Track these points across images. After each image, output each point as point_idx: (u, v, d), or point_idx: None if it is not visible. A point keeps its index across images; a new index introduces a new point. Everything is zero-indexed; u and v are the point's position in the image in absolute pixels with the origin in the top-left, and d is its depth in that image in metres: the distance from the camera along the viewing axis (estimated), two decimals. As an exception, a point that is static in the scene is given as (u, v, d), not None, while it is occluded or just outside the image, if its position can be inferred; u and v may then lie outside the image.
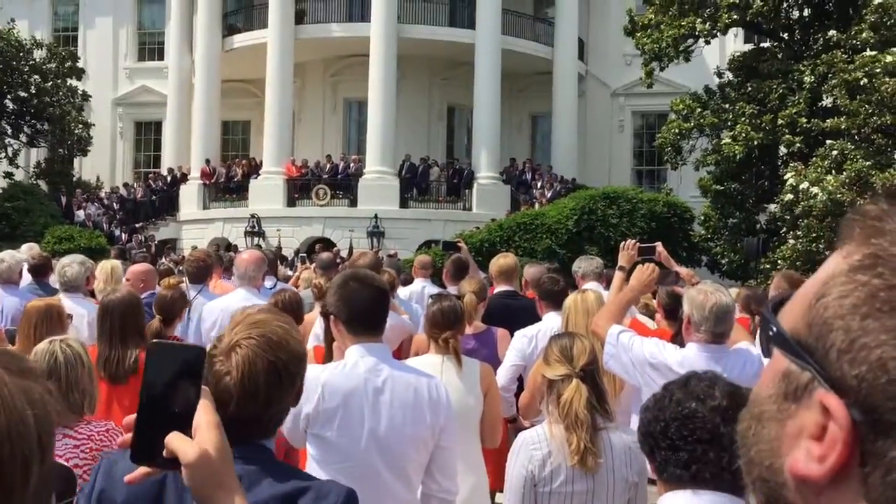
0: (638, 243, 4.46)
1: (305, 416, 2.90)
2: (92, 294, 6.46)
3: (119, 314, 4.17)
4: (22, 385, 0.87)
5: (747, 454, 0.73)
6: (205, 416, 1.21)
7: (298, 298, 4.90)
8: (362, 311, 2.97)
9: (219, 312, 5.68)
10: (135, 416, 1.20)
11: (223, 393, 1.77)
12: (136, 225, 27.49)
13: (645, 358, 3.66)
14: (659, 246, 4.43)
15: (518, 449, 3.03)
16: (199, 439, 1.19)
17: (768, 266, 16.89)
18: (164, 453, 1.17)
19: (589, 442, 2.91)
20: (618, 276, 4.43)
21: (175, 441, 1.17)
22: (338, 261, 12.10)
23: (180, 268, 11.94)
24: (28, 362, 0.92)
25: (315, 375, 2.95)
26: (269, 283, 7.46)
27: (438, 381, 3.18)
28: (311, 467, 2.94)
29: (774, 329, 0.72)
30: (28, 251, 7.45)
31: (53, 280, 7.34)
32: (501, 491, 5.68)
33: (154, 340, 1.23)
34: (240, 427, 1.77)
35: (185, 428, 1.19)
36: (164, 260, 18.18)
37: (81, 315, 5.74)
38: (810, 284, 0.72)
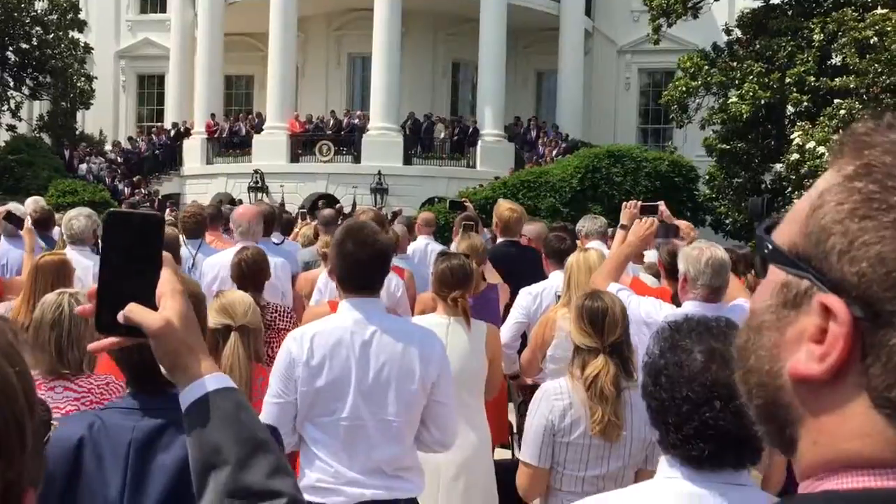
0: (640, 203, 4.44)
1: (297, 376, 2.89)
2: (97, 247, 6.48)
3: None
4: None
5: (745, 364, 0.76)
6: (168, 284, 1.20)
7: (261, 255, 4.79)
8: (356, 270, 2.95)
9: (219, 267, 5.68)
10: (96, 286, 1.19)
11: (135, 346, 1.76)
12: (138, 179, 27.41)
13: (641, 317, 3.67)
14: (661, 205, 4.41)
15: (540, 398, 3.04)
16: (162, 306, 1.19)
17: (772, 226, 16.84)
18: (123, 320, 1.16)
19: (614, 415, 2.91)
20: (619, 234, 4.42)
21: (137, 311, 1.17)
22: (340, 217, 12.09)
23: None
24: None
25: (303, 332, 2.96)
26: (276, 238, 7.44)
27: (432, 334, 3.17)
28: (304, 424, 2.94)
29: (770, 246, 0.75)
30: (33, 204, 7.43)
31: (55, 233, 7.36)
32: (501, 445, 5.76)
33: (110, 210, 1.21)
34: (153, 374, 1.74)
35: (148, 295, 1.18)
36: (168, 215, 18.17)
37: (87, 267, 5.74)
38: (803, 202, 0.74)
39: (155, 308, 1.19)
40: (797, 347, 0.71)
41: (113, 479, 1.78)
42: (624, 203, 4.54)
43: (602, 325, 3.00)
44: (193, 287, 1.86)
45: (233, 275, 4.68)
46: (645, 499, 1.69)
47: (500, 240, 6.44)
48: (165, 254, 1.23)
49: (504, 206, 6.57)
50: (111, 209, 1.22)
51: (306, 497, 2.96)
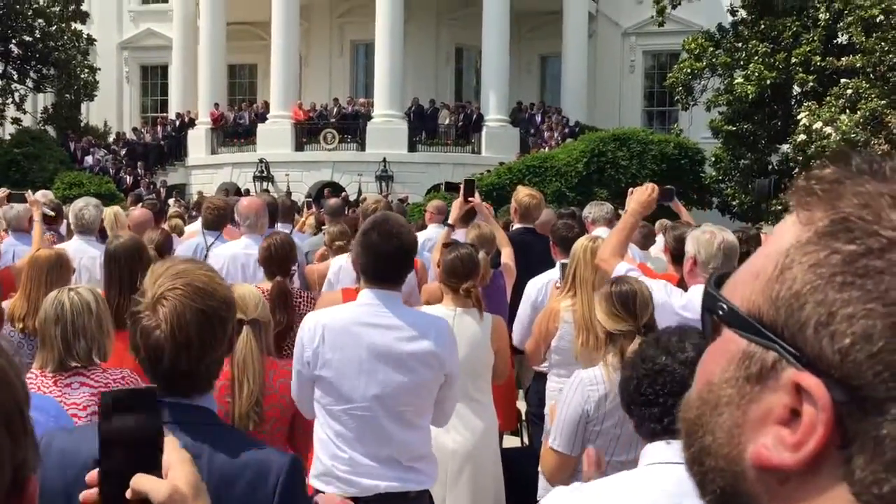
0: (657, 187, 4.38)
1: (307, 360, 2.93)
2: (102, 237, 6.50)
3: (125, 260, 4.17)
4: None
5: (700, 444, 0.67)
6: (175, 453, 1.17)
7: (290, 241, 4.84)
8: (379, 263, 2.97)
9: (224, 258, 5.69)
10: (97, 470, 1.15)
11: (154, 348, 1.72)
12: (144, 170, 27.44)
13: None
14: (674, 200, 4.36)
15: (575, 387, 3.04)
16: (171, 476, 1.15)
17: (779, 208, 16.78)
18: (131, 495, 1.12)
19: None
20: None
21: (144, 482, 1.12)
22: (346, 207, 12.08)
23: (192, 212, 11.91)
24: None
25: (317, 319, 2.99)
26: (283, 230, 7.44)
27: (447, 326, 3.19)
28: (318, 412, 2.99)
29: (725, 307, 0.66)
30: (42, 198, 7.44)
31: (62, 229, 7.38)
32: (510, 433, 5.78)
33: (102, 392, 1.17)
34: (176, 382, 1.74)
35: (151, 466, 1.14)
36: (173, 206, 18.18)
37: (94, 257, 5.76)
38: (761, 258, 0.66)
39: (161, 477, 1.15)
40: (761, 430, 0.62)
41: None
42: (629, 190, 4.50)
43: (634, 307, 3.02)
44: (225, 292, 1.84)
45: (261, 259, 4.71)
46: (627, 484, 1.79)
47: (516, 226, 6.37)
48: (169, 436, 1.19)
49: (523, 192, 6.45)
50: (103, 392, 1.20)
51: (319, 485, 2.99)
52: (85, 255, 5.74)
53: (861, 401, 0.58)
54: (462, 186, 5.74)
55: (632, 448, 2.98)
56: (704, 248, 3.58)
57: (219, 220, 6.60)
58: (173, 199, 21.54)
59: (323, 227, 8.73)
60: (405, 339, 2.95)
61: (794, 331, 0.61)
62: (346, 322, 2.95)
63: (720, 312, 0.67)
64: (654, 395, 1.94)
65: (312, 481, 3.00)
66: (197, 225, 7.85)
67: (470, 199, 5.68)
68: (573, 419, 2.99)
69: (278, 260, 4.61)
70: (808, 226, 0.63)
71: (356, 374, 2.92)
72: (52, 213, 7.26)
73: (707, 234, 3.61)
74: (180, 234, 8.11)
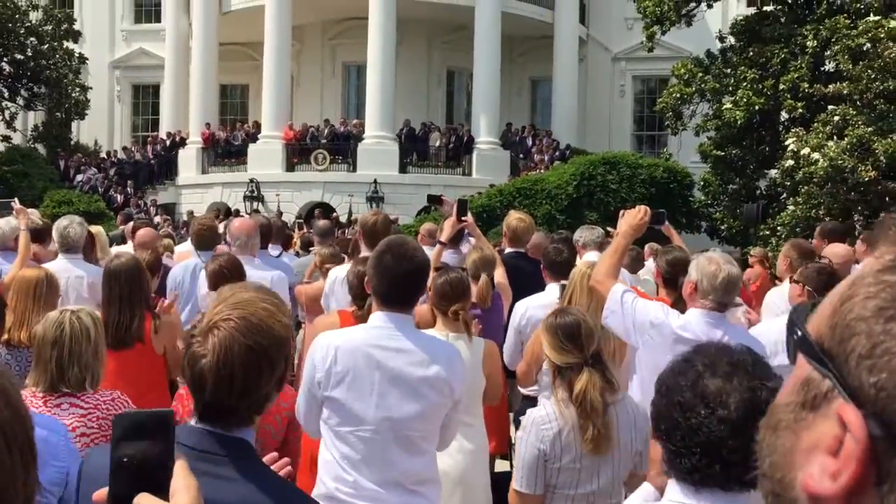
0: (649, 209, 4.40)
1: (318, 381, 2.91)
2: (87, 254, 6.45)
3: (125, 280, 4.17)
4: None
5: (762, 466, 0.68)
6: (182, 479, 1.16)
7: (238, 262, 4.71)
8: (393, 284, 2.95)
9: None
10: (106, 489, 1.15)
11: (198, 377, 1.68)
12: (134, 189, 27.37)
13: (648, 319, 3.65)
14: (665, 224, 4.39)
15: (529, 428, 3.05)
16: (174, 500, 1.14)
17: (768, 232, 16.89)
18: None
19: (604, 428, 2.93)
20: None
21: (146, 502, 1.12)
22: (336, 227, 12.09)
23: (181, 231, 11.90)
24: None
25: (330, 339, 2.98)
26: (274, 251, 7.43)
27: (456, 352, 3.18)
28: (324, 433, 2.97)
29: (799, 332, 0.67)
30: (35, 217, 7.39)
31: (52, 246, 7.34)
32: (501, 457, 5.76)
33: (116, 416, 1.17)
34: (215, 414, 1.69)
35: (160, 490, 1.14)
36: (164, 226, 18.14)
37: (81, 277, 5.72)
38: (841, 285, 0.66)
39: (167, 500, 1.15)
40: (811, 457, 0.62)
41: None
42: (621, 212, 4.51)
43: (579, 337, 3.02)
44: (280, 330, 1.77)
45: (211, 285, 4.54)
46: None
47: (507, 250, 6.39)
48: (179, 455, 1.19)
49: (514, 216, 6.51)
50: (117, 414, 1.20)
51: None
52: (71, 274, 5.65)
53: (894, 438, 0.57)
54: (455, 206, 5.76)
55: (595, 478, 2.98)
56: (707, 280, 3.59)
57: (208, 239, 6.59)
58: (160, 217, 21.51)
59: (311, 249, 8.73)
60: (417, 364, 2.94)
61: (841, 360, 0.61)
62: (359, 344, 2.94)
63: (795, 336, 0.68)
64: (688, 451, 1.71)
65: None
66: (188, 245, 7.84)
67: (463, 218, 5.70)
68: (531, 460, 2.98)
69: (234, 280, 4.49)
70: (878, 260, 0.64)
71: (367, 397, 2.90)
72: (40, 223, 7.20)
73: (713, 267, 3.61)
74: (171, 253, 8.09)
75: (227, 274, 4.49)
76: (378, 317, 2.99)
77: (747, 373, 1.68)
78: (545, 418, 3.02)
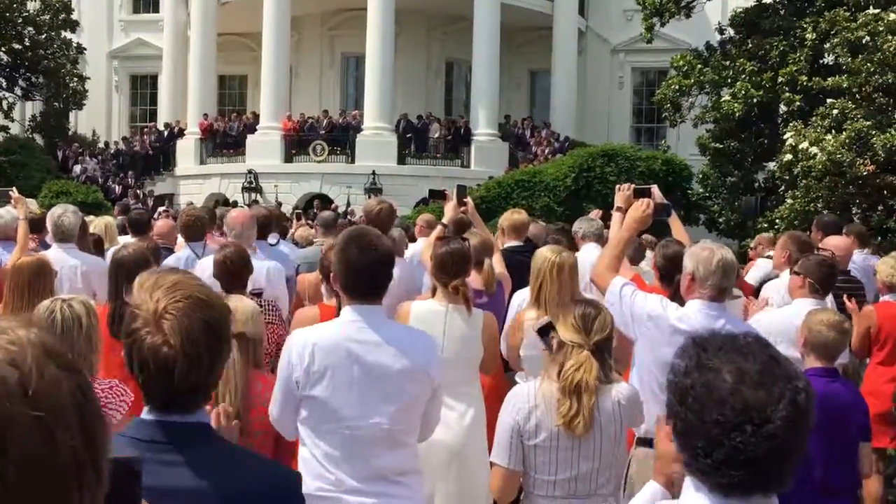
0: (633, 186, 4.42)
1: (296, 380, 2.89)
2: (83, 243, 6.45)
3: (131, 270, 4.16)
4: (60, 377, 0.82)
5: None
6: None
7: (245, 254, 4.63)
8: (360, 276, 2.93)
9: (210, 269, 5.65)
10: None
11: (163, 364, 1.66)
12: (133, 180, 27.34)
13: (646, 312, 3.66)
14: (654, 188, 4.38)
15: (507, 401, 3.10)
16: None
17: (766, 225, 16.88)
18: None
19: (587, 410, 2.94)
20: (616, 216, 4.40)
21: None
22: (339, 218, 12.04)
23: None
24: (62, 348, 0.86)
25: (305, 337, 2.96)
26: (272, 239, 7.43)
27: (432, 341, 3.17)
28: (303, 432, 2.95)
29: None
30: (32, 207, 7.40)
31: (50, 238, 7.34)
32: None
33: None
34: (184, 397, 1.70)
35: None
36: (164, 217, 18.10)
37: (74, 266, 5.68)
38: None
39: None
40: None
41: None
42: (617, 186, 4.51)
43: (591, 324, 3.04)
44: (222, 301, 1.82)
45: (217, 272, 4.54)
46: None
47: (507, 244, 6.39)
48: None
49: (508, 211, 6.62)
50: None
51: None
52: (65, 264, 5.61)
53: None
54: (455, 192, 5.79)
55: (573, 464, 3.00)
56: (703, 265, 3.60)
57: (197, 230, 6.56)
58: (163, 208, 21.47)
59: (315, 241, 8.72)
60: (393, 356, 2.92)
61: None
62: (336, 340, 2.91)
63: None
64: (728, 467, 1.58)
65: None
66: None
67: (464, 199, 5.72)
68: (507, 431, 3.02)
69: (236, 272, 4.49)
70: None
71: (348, 393, 2.88)
72: (38, 212, 7.19)
73: (706, 252, 3.63)
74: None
75: (233, 267, 4.48)
76: (348, 311, 2.96)
77: (783, 375, 1.58)
78: (523, 393, 3.07)
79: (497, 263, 5.52)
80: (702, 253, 3.64)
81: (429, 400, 3.05)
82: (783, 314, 4.79)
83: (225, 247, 4.79)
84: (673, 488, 2.17)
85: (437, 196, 6.37)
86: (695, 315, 3.58)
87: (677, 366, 1.67)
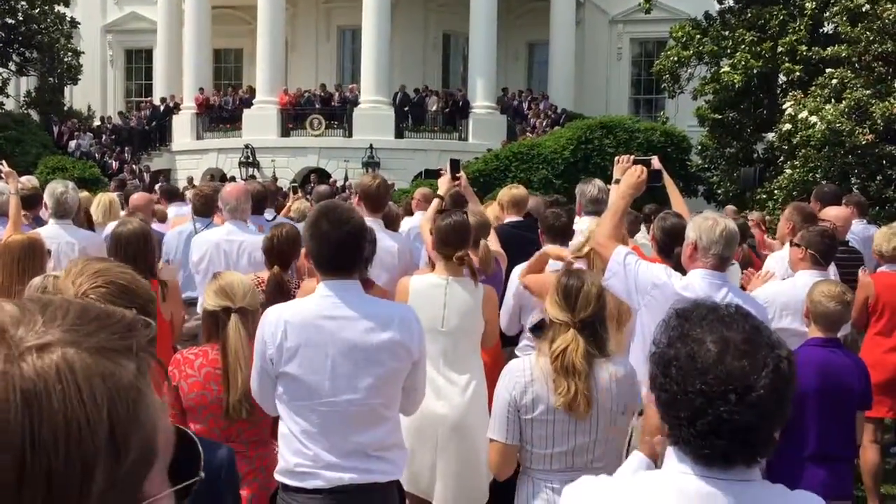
0: (633, 157, 4.39)
1: (269, 358, 2.88)
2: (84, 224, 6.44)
3: (131, 246, 4.14)
4: (97, 369, 0.74)
5: None
6: None
7: (295, 234, 4.80)
8: (330, 252, 2.90)
9: (206, 246, 5.65)
10: None
11: None
12: (129, 155, 27.23)
13: (650, 280, 3.63)
14: (654, 159, 4.36)
15: (503, 376, 3.09)
16: None
17: (765, 196, 16.85)
18: None
19: (585, 390, 2.92)
20: (614, 188, 4.37)
21: None
22: (336, 193, 12.02)
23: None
24: (110, 332, 0.79)
25: (278, 314, 2.93)
26: (268, 214, 7.42)
27: (411, 313, 3.11)
28: (280, 409, 2.93)
29: None
30: (27, 182, 7.35)
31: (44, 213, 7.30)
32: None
33: None
34: None
35: None
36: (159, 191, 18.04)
37: (72, 243, 5.66)
38: None
39: None
40: None
41: None
42: (616, 158, 4.49)
43: (575, 301, 3.01)
44: (147, 289, 1.83)
45: (264, 248, 4.69)
46: (652, 493, 1.65)
47: (506, 220, 6.36)
48: None
49: (507, 187, 6.60)
50: None
51: (286, 481, 2.95)
52: (62, 240, 5.58)
53: None
54: (448, 166, 5.73)
55: (570, 437, 3.00)
56: (706, 234, 3.60)
57: (206, 206, 6.57)
58: (160, 184, 21.40)
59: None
60: (370, 331, 2.88)
61: None
62: (309, 316, 2.88)
63: None
64: (712, 436, 1.57)
65: (277, 477, 2.97)
66: (186, 210, 7.83)
67: (457, 175, 5.68)
68: (503, 406, 3.02)
69: (279, 252, 4.57)
70: None
71: (322, 369, 2.85)
72: (31, 185, 7.13)
73: (709, 221, 3.65)
74: (162, 219, 8.08)
75: (279, 246, 4.55)
76: (323, 287, 2.93)
77: (766, 344, 1.58)
78: (519, 367, 3.06)
79: (492, 241, 5.49)
80: (704, 223, 3.64)
81: (409, 373, 3.01)
82: (787, 286, 4.79)
83: (282, 226, 4.85)
84: (658, 459, 2.17)
85: (456, 169, 6.26)
86: (699, 283, 3.57)
87: (658, 337, 1.68)
